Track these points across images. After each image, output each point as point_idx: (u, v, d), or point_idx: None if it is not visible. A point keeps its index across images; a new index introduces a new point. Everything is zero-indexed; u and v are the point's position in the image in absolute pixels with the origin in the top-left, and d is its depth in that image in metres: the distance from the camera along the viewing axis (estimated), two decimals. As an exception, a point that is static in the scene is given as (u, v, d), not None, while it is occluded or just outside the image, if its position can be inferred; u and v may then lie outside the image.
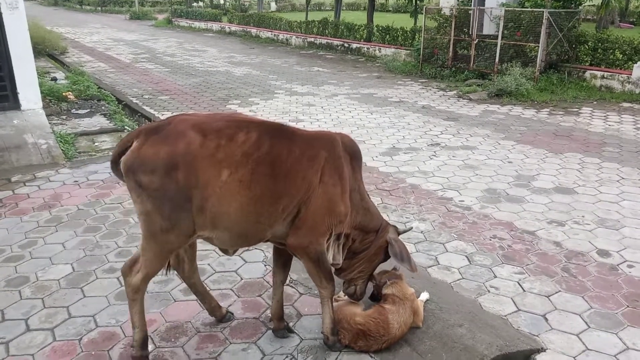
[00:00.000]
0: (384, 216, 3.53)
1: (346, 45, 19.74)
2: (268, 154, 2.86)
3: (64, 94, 9.95)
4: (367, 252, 3.34)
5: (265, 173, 2.85)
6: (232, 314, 3.64)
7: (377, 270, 3.59)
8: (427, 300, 3.71)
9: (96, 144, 7.72)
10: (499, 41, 12.46)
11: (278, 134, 2.97)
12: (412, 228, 3.85)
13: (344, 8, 32.26)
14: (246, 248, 4.41)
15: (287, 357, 3.25)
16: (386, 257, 3.36)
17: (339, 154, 3.07)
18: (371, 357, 3.22)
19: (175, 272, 3.43)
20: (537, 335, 3.55)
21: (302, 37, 22.18)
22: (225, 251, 3.23)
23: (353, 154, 3.20)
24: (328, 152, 3.03)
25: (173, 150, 2.73)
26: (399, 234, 3.43)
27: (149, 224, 2.83)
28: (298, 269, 3.96)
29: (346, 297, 3.61)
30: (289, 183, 2.91)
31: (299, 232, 3.01)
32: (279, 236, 3.09)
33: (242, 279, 4.14)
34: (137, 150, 2.77)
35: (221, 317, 3.56)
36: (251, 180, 2.82)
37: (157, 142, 2.76)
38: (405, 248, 3.29)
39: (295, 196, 2.94)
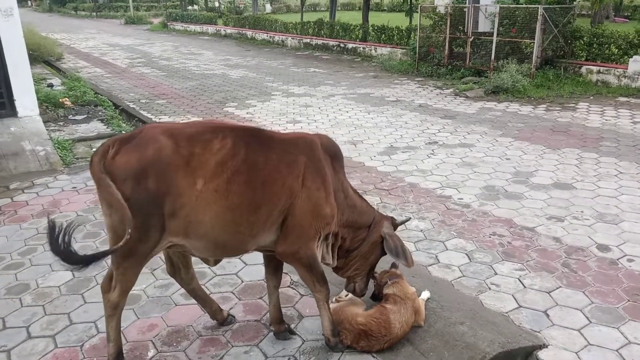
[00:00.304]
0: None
1: (342, 45, 19.75)
2: (244, 162, 2.81)
3: (60, 100, 9.94)
4: (360, 248, 3.31)
5: (241, 182, 2.79)
6: (234, 317, 3.62)
7: (378, 270, 3.59)
8: (428, 298, 3.71)
9: (94, 149, 7.71)
10: (495, 38, 12.47)
11: (254, 141, 2.90)
12: (410, 218, 3.84)
13: (339, 8, 32.30)
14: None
15: (289, 359, 3.25)
16: (383, 252, 3.33)
17: (319, 157, 3.02)
18: (373, 357, 3.22)
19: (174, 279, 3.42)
20: (538, 332, 3.56)
21: (298, 39, 22.19)
22: (205, 261, 3.16)
23: (333, 154, 3.15)
24: (307, 157, 2.98)
25: (143, 156, 2.69)
26: (396, 225, 3.39)
27: (119, 235, 2.74)
28: (298, 271, 3.96)
29: (347, 297, 3.62)
30: (267, 191, 2.86)
31: (288, 239, 2.97)
32: (265, 245, 3.05)
33: (242, 281, 4.13)
34: (110, 160, 2.72)
35: (222, 320, 3.55)
36: (227, 190, 2.76)
37: (128, 150, 2.72)
38: (401, 242, 3.25)
39: (276, 204, 2.90)
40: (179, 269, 3.30)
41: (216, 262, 3.22)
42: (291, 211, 2.93)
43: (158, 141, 2.73)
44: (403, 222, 3.53)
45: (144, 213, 2.69)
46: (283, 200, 2.91)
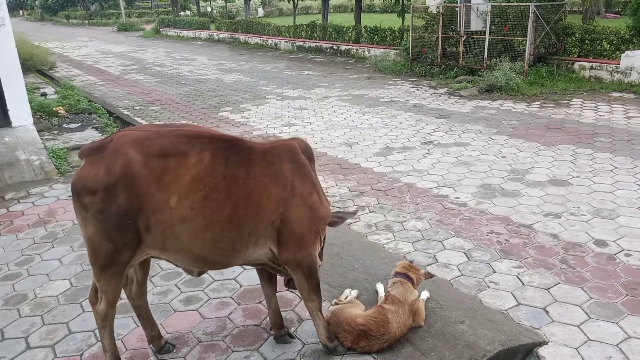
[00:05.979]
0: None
1: (335, 47, 19.77)
2: (224, 178, 2.69)
3: (54, 109, 9.92)
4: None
5: (221, 199, 2.68)
6: (173, 345, 3.40)
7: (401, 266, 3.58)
8: (428, 298, 3.71)
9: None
10: (487, 37, 12.51)
11: (234, 153, 2.77)
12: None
13: (332, 10, 32.36)
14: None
15: (290, 362, 3.24)
16: None
17: (303, 162, 2.97)
18: (374, 358, 3.21)
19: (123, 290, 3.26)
20: (538, 328, 3.56)
21: (291, 41, 22.21)
22: (189, 272, 3.09)
23: (310, 157, 3.10)
24: (293, 163, 2.91)
25: (111, 170, 2.61)
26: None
27: (95, 247, 2.71)
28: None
29: (346, 300, 3.62)
30: (252, 207, 2.76)
31: (289, 247, 2.91)
32: (256, 259, 2.98)
33: (241, 286, 4.12)
34: (81, 171, 2.69)
35: (159, 348, 3.33)
36: (204, 207, 2.66)
37: (97, 161, 2.66)
38: None
39: (262, 218, 2.81)
40: (131, 282, 3.14)
41: (200, 273, 3.12)
42: (285, 221, 2.86)
43: (126, 154, 2.63)
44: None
45: (118, 226, 2.64)
46: (269, 212, 2.82)
